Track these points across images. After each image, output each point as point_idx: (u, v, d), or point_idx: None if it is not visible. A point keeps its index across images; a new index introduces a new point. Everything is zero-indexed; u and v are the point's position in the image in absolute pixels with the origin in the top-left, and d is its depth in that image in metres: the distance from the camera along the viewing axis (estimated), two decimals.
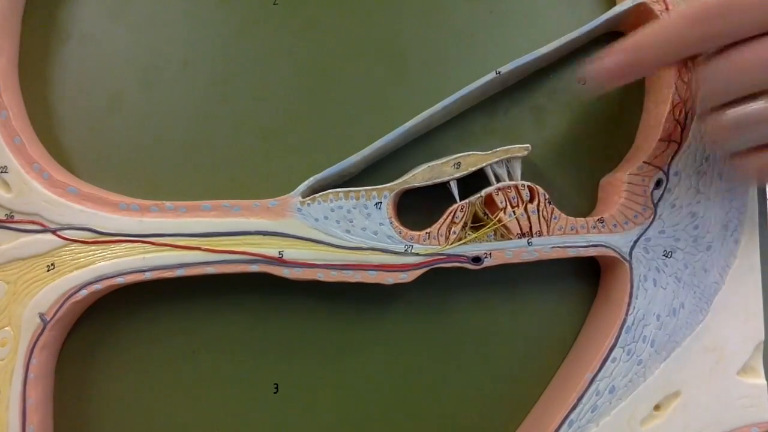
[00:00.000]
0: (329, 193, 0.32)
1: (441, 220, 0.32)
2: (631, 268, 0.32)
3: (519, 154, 0.32)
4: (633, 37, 0.28)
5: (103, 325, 0.34)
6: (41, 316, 0.31)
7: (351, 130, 0.35)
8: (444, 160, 0.32)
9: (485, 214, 0.32)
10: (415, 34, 0.35)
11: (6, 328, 0.31)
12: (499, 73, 0.33)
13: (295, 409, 0.34)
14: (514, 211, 0.32)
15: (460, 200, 0.32)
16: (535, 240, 0.32)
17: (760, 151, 0.27)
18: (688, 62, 0.32)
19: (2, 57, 0.33)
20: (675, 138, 0.32)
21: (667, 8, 0.33)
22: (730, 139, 0.27)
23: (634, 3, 0.33)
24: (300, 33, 0.35)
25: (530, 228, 0.32)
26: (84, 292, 0.31)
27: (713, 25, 0.26)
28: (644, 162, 0.32)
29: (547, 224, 0.32)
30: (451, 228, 0.32)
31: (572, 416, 0.31)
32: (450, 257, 0.32)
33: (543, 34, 0.35)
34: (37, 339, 0.31)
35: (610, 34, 0.35)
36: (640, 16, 0.34)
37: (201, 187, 0.34)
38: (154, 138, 0.34)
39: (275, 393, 0.34)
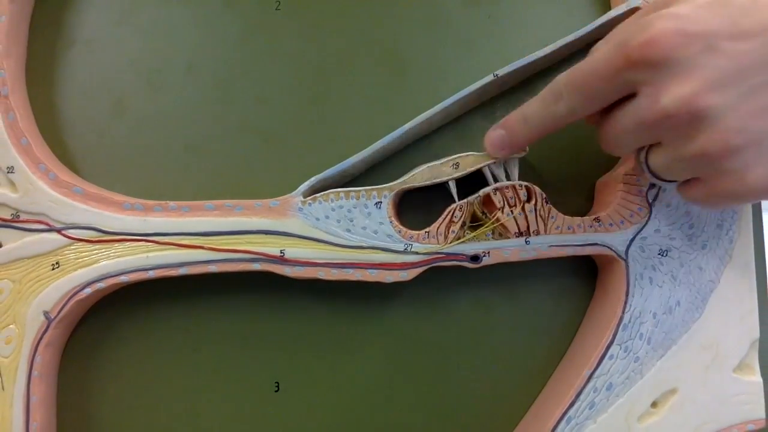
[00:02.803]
0: (330, 192, 0.32)
1: (440, 220, 0.32)
2: (627, 267, 0.32)
3: (516, 155, 0.33)
4: (508, 116, 0.31)
5: (106, 323, 0.34)
6: (46, 314, 0.32)
7: (352, 133, 0.35)
8: (443, 160, 0.33)
9: (483, 213, 0.33)
10: (415, 38, 0.36)
11: (11, 326, 0.32)
12: (497, 75, 0.33)
13: (295, 407, 0.34)
14: (511, 211, 0.32)
15: (459, 200, 0.32)
16: (532, 239, 0.32)
17: (693, 183, 0.28)
18: None
19: (10, 61, 0.33)
20: None
21: None
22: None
23: (628, 7, 0.33)
24: (302, 37, 0.36)
25: (528, 227, 0.32)
26: (88, 291, 0.32)
27: (564, 102, 0.28)
28: None
29: (544, 223, 0.32)
30: (450, 227, 0.32)
31: (570, 413, 0.31)
32: (449, 256, 0.32)
33: (540, 38, 0.35)
34: (42, 337, 0.32)
35: None
36: None
37: (204, 188, 0.35)
38: (159, 140, 0.35)
39: (276, 391, 0.34)
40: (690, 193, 0.28)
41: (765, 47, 0.24)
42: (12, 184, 0.32)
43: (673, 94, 0.24)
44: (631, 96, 0.27)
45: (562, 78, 0.28)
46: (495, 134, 0.31)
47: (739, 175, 0.25)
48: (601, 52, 0.27)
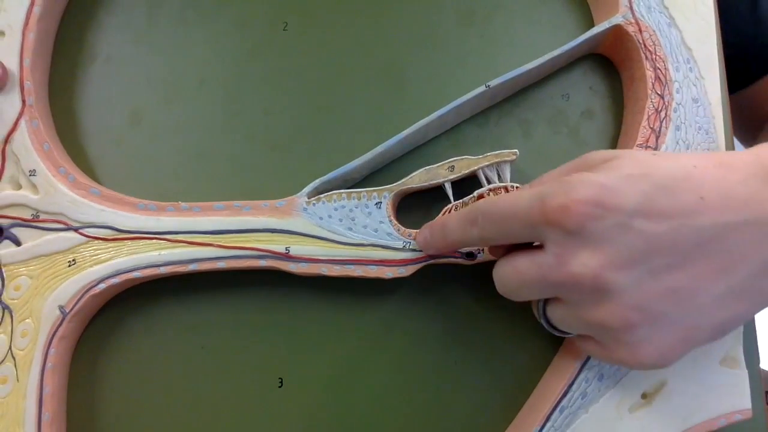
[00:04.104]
0: (333, 193, 0.34)
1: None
2: None
3: (508, 159, 0.35)
4: (436, 220, 0.33)
5: (118, 319, 0.36)
6: (61, 308, 0.33)
7: (353, 142, 0.37)
8: (439, 164, 0.35)
9: None
10: (413, 55, 0.38)
11: (27, 320, 0.33)
12: (488, 86, 0.36)
13: (298, 403, 0.35)
14: None
15: (455, 200, 0.34)
16: None
17: (588, 339, 0.29)
18: None
19: (36, 73, 0.36)
20: (651, 144, 0.35)
21: (640, 30, 0.36)
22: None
23: (610, 25, 0.36)
24: (307, 54, 0.38)
25: None
26: (102, 286, 0.33)
27: (477, 229, 0.29)
28: None
29: None
30: None
31: (563, 402, 0.32)
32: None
33: (527, 54, 0.38)
34: (56, 330, 0.33)
35: (595, 56, 0.39)
36: (616, 38, 0.37)
37: (215, 192, 0.37)
38: (172, 149, 0.37)
39: (280, 387, 0.35)
40: (585, 346, 0.30)
41: (674, 231, 0.25)
42: (34, 186, 0.34)
43: (581, 262, 0.25)
44: (537, 245, 0.28)
45: (482, 206, 0.29)
46: (422, 233, 0.33)
47: (632, 348, 0.27)
48: (523, 196, 0.27)
